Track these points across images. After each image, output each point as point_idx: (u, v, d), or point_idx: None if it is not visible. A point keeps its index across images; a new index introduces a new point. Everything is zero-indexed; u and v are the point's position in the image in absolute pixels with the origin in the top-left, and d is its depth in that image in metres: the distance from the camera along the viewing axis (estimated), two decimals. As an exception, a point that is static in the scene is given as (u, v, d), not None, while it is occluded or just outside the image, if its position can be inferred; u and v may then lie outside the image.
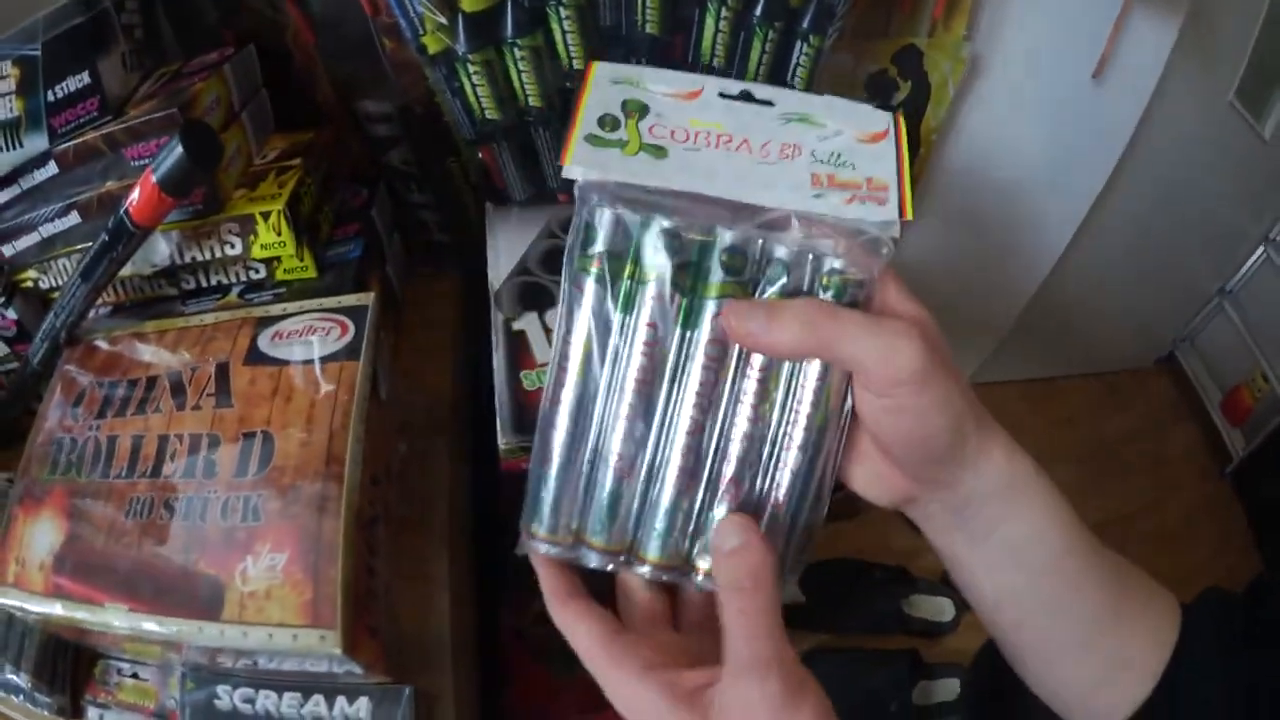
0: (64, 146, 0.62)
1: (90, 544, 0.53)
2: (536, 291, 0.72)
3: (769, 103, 0.48)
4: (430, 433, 0.73)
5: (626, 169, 0.44)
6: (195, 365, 0.60)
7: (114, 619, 0.51)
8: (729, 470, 0.46)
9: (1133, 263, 1.65)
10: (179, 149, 0.55)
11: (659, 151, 0.45)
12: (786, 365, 0.45)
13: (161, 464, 0.55)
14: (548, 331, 0.69)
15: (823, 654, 1.47)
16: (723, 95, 0.48)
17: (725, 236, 0.43)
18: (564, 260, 0.45)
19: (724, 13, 0.66)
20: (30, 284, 0.68)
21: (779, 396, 0.45)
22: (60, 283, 0.67)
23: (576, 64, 0.68)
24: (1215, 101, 1.44)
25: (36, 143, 0.61)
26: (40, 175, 0.63)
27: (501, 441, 0.63)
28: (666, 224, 0.43)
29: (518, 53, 0.67)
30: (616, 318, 0.44)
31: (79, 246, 0.65)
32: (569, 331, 0.45)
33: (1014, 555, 0.46)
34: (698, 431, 0.45)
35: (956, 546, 0.48)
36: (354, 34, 0.72)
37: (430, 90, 0.73)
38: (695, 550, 0.47)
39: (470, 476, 0.79)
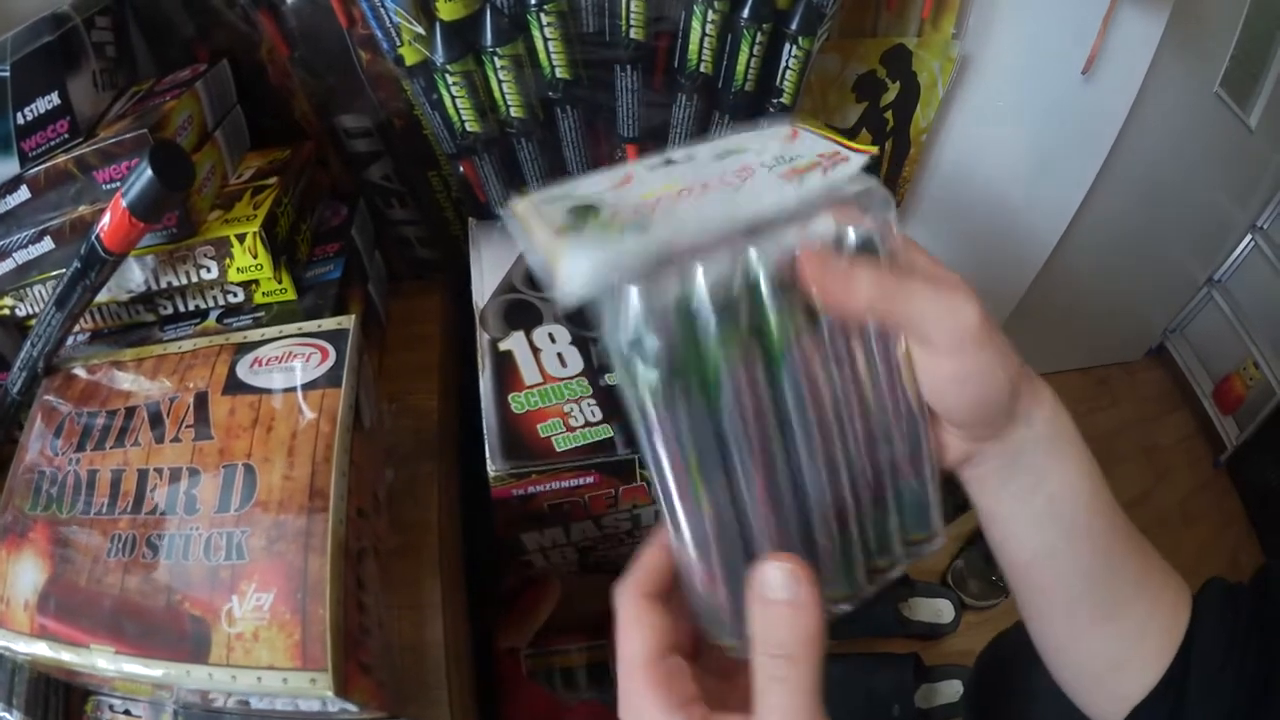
0: (35, 170, 0.60)
1: (74, 583, 0.51)
2: (523, 309, 0.70)
3: (692, 157, 0.46)
4: (418, 458, 0.71)
5: (623, 246, 0.37)
6: (174, 395, 0.58)
7: (100, 661, 0.49)
8: (866, 479, 0.43)
9: (1122, 256, 1.65)
10: (148, 172, 0.53)
11: (638, 224, 0.38)
12: (859, 345, 0.42)
13: (142, 499, 0.54)
14: (536, 351, 0.67)
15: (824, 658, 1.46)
16: (651, 169, 0.44)
17: (762, 265, 0.39)
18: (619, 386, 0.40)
19: (711, 15, 0.65)
20: (6, 312, 0.66)
21: (866, 375, 0.43)
22: (37, 310, 0.65)
23: (559, 72, 0.66)
24: (1201, 93, 1.45)
25: (7, 167, 0.60)
26: (12, 200, 0.61)
27: (491, 469, 0.61)
28: (702, 270, 0.38)
29: (498, 62, 0.65)
30: (702, 411, 0.39)
31: (54, 273, 0.63)
32: (672, 455, 0.39)
33: (1054, 510, 0.47)
34: (833, 466, 0.42)
35: (1003, 504, 0.48)
36: (330, 47, 0.70)
37: (409, 103, 0.71)
38: (870, 560, 0.44)
39: (462, 496, 0.77)
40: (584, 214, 0.39)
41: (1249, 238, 1.88)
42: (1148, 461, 1.97)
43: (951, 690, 1.44)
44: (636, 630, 0.40)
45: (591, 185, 0.43)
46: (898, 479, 0.44)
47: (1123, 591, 0.49)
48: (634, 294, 0.37)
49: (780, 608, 0.36)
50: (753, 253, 0.40)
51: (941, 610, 1.55)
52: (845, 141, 0.45)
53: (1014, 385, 0.43)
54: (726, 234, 0.40)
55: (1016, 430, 0.45)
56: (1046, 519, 0.47)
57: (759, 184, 0.43)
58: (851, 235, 0.42)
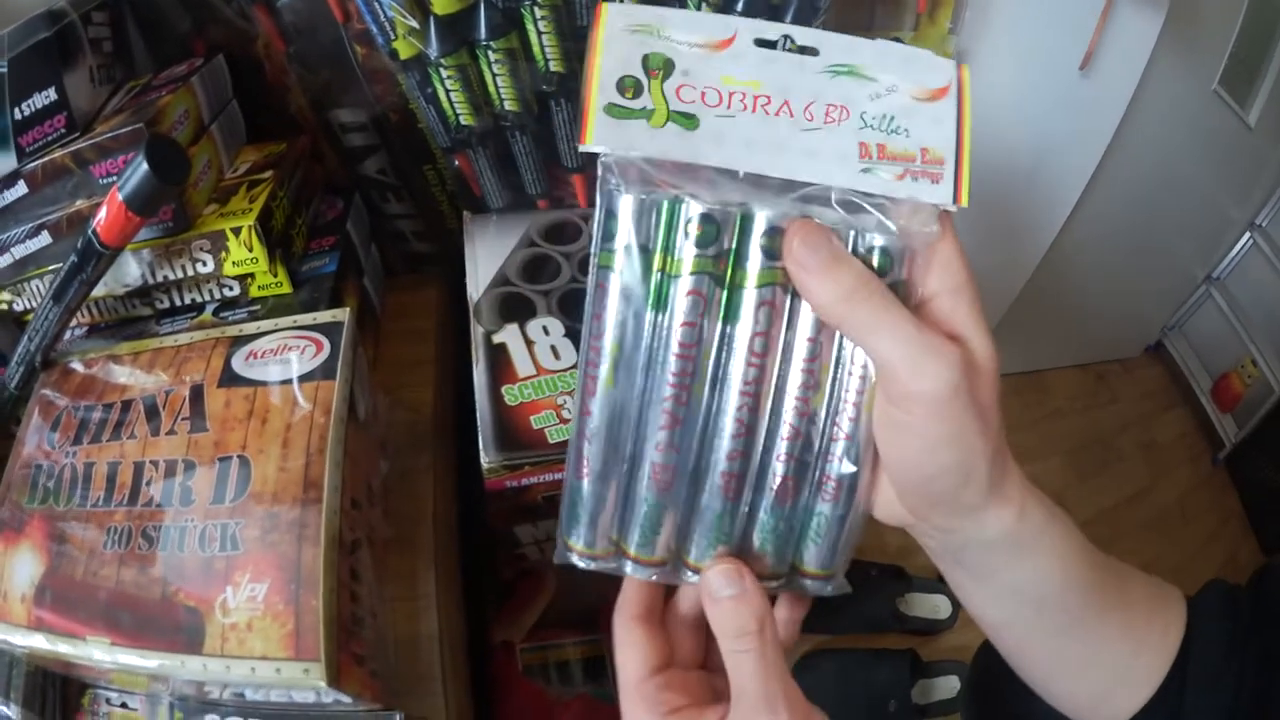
0: (32, 166, 0.60)
1: (70, 575, 0.51)
2: (517, 302, 0.70)
3: (813, 50, 0.40)
4: (413, 450, 0.71)
5: (655, 144, 0.38)
6: (170, 388, 0.58)
7: (96, 652, 0.49)
8: (779, 469, 0.42)
9: (1120, 252, 1.65)
10: (144, 166, 0.53)
11: (689, 120, 0.39)
12: (834, 350, 0.41)
13: (138, 491, 0.54)
14: (529, 344, 0.67)
15: (821, 655, 1.47)
16: (759, 42, 0.40)
17: (763, 216, 0.39)
18: (590, 254, 0.41)
19: (705, 9, 0.65)
20: (4, 306, 0.66)
21: (827, 384, 0.41)
22: (35, 304, 0.65)
23: (554, 65, 0.66)
24: (1200, 90, 1.45)
25: (4, 162, 0.59)
26: (10, 195, 0.61)
27: (485, 460, 0.61)
28: (700, 207, 0.38)
29: (492, 55, 0.65)
30: (649, 317, 0.40)
31: (51, 267, 0.63)
32: (595, 335, 0.41)
33: (1016, 594, 0.45)
34: (744, 434, 0.41)
35: (954, 576, 0.46)
36: (325, 42, 0.70)
37: (404, 97, 0.71)
38: (747, 555, 0.44)
39: (457, 489, 0.77)
40: (652, 70, 0.40)
41: (1247, 235, 1.88)
42: (1146, 459, 1.97)
43: (948, 685, 1.45)
44: (628, 652, 0.44)
45: (686, 30, 0.40)
46: (817, 496, 0.43)
47: (1106, 637, 0.47)
48: (629, 203, 0.39)
49: (728, 602, 0.41)
50: (758, 214, 0.39)
51: (938, 606, 1.54)
52: (965, 159, 0.40)
53: (964, 476, 0.39)
54: (754, 182, 0.39)
55: (963, 526, 0.41)
56: (1006, 599, 0.45)
57: (834, 141, 0.39)
58: (871, 239, 0.39)
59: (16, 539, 0.53)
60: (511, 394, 0.64)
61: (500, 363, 0.66)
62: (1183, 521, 1.87)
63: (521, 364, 0.66)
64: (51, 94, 0.61)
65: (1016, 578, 0.43)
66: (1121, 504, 1.87)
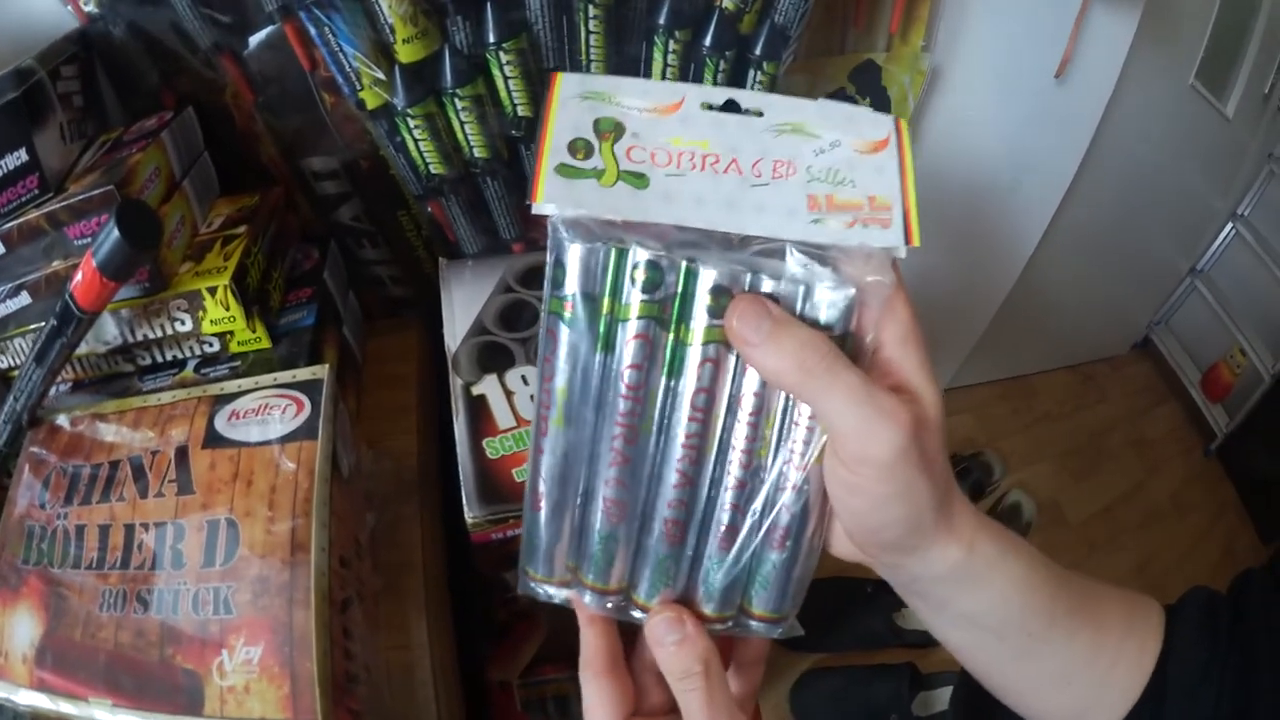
0: (7, 226, 0.60)
1: (69, 636, 0.51)
2: (495, 352, 0.70)
3: (757, 112, 0.43)
4: (399, 499, 0.71)
5: (604, 202, 0.40)
6: (155, 448, 0.58)
7: (99, 713, 0.50)
8: (724, 518, 0.43)
9: (1104, 252, 1.65)
10: (115, 233, 0.53)
11: (639, 180, 0.40)
12: (779, 403, 0.41)
13: (130, 554, 0.54)
14: (509, 394, 0.67)
15: (820, 674, 1.47)
16: (706, 106, 0.43)
17: (708, 274, 0.39)
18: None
19: (672, 45, 0.65)
20: (-11, 365, 0.65)
21: (773, 437, 0.42)
22: (18, 362, 0.65)
23: (521, 110, 0.66)
24: (1177, 86, 1.45)
25: (-22, 224, 0.59)
26: (-14, 257, 0.61)
27: (468, 515, 0.61)
28: (645, 254, 0.39)
29: (459, 103, 0.65)
30: (597, 359, 0.41)
31: (33, 327, 0.63)
32: (547, 377, 0.42)
33: (971, 622, 0.45)
34: (686, 484, 0.42)
35: (913, 603, 0.47)
36: (294, 90, 0.70)
37: (375, 144, 0.71)
38: (693, 596, 0.45)
39: (445, 533, 0.77)
40: (603, 134, 0.41)
41: (1230, 226, 1.88)
42: (1138, 455, 1.97)
43: (948, 697, 1.43)
44: (597, 708, 0.45)
45: (636, 96, 0.42)
46: (765, 546, 0.43)
47: (1076, 656, 0.47)
48: (576, 252, 0.39)
49: (672, 647, 0.43)
50: (702, 272, 0.40)
51: (937, 617, 1.53)
52: (910, 203, 0.41)
53: (913, 526, 0.40)
54: (702, 236, 0.40)
55: (910, 565, 0.42)
56: (965, 625, 0.46)
57: (781, 195, 0.41)
58: (816, 294, 0.40)
59: (14, 599, 0.53)
60: (493, 447, 0.63)
61: (480, 415, 0.65)
62: (1178, 516, 1.87)
63: (501, 416, 0.65)
64: (22, 154, 0.60)
65: (970, 608, 0.44)
66: (1116, 503, 1.88)
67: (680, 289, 0.40)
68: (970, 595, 0.44)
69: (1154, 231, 1.78)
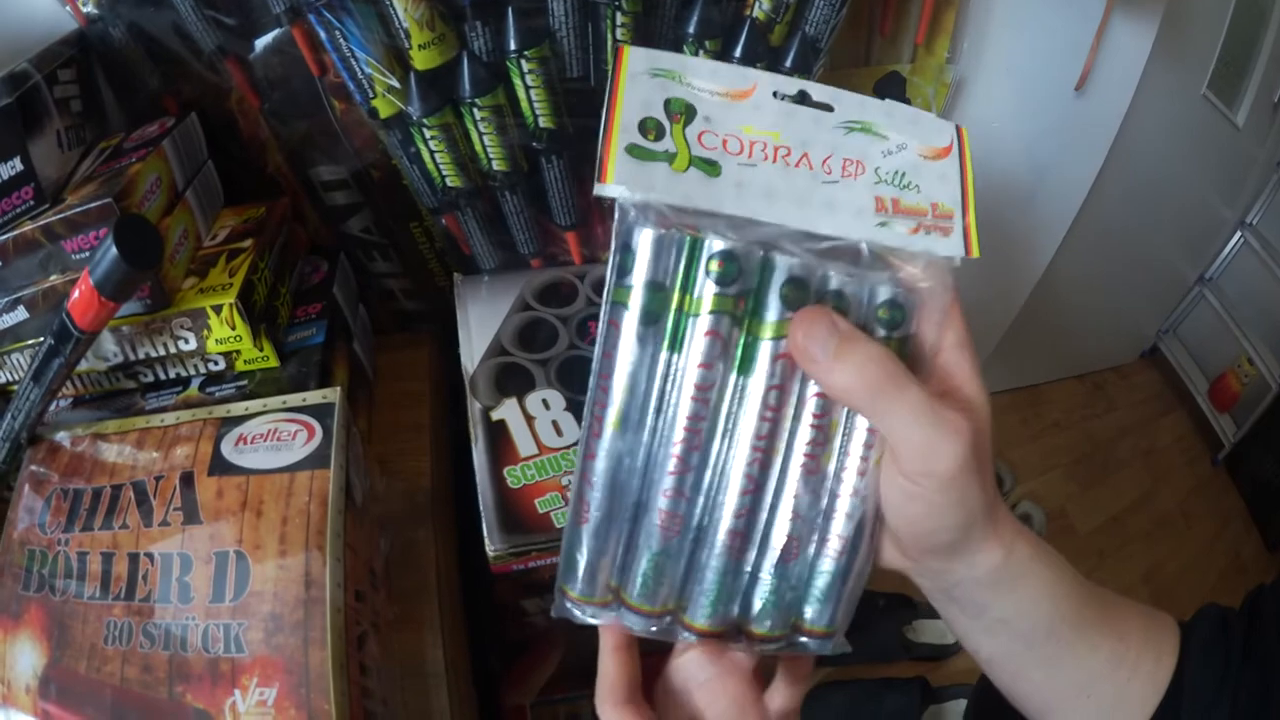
0: (1, 239, 0.57)
1: (73, 669, 0.49)
2: (514, 374, 0.67)
3: (828, 106, 0.42)
4: (413, 523, 0.68)
5: (677, 189, 0.38)
6: (160, 473, 0.56)
7: (109, 751, 0.48)
8: (784, 528, 0.41)
9: (1114, 262, 1.66)
10: (113, 250, 0.50)
11: (711, 167, 0.39)
12: (845, 409, 0.41)
13: (134, 586, 0.52)
14: (529, 419, 0.64)
15: (830, 687, 1.46)
16: (777, 95, 0.41)
17: (785, 265, 0.38)
18: (604, 290, 0.40)
19: (701, 55, 0.62)
20: (-13, 381, 0.63)
21: (836, 445, 0.41)
22: (16, 377, 0.63)
23: (543, 121, 0.64)
24: (1189, 96, 1.47)
25: (-29, 237, 0.57)
26: (-19, 271, 0.58)
27: (490, 549, 0.58)
28: (723, 244, 0.38)
29: (477, 113, 0.62)
30: (664, 356, 0.39)
31: (30, 342, 0.61)
32: (605, 374, 0.39)
33: (1006, 627, 0.45)
34: (752, 490, 0.40)
35: (948, 612, 0.47)
36: (302, 96, 0.67)
37: (386, 153, 0.69)
38: (747, 615, 0.43)
39: (460, 554, 0.75)
40: (674, 114, 0.40)
41: (1238, 234, 1.89)
42: (1146, 465, 1.98)
43: (958, 710, 1.44)
44: None
45: (706, 78, 0.41)
46: (821, 554, 0.42)
47: (1098, 667, 0.47)
48: (647, 238, 0.38)
49: (710, 684, 0.45)
50: (780, 263, 0.38)
51: (945, 631, 1.53)
52: (970, 214, 0.41)
53: (965, 530, 0.41)
54: (772, 233, 0.39)
55: (955, 568, 0.43)
56: (999, 632, 0.46)
57: (850, 195, 0.40)
58: (882, 294, 0.39)
59: (16, 627, 0.51)
60: (514, 476, 0.61)
61: (500, 442, 0.63)
62: (1186, 525, 1.88)
63: (523, 443, 0.63)
64: (16, 164, 0.58)
65: (1006, 611, 0.44)
66: (1124, 512, 1.88)
67: (756, 283, 0.39)
68: (1006, 598, 0.44)
69: (1163, 240, 1.79)
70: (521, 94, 0.62)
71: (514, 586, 0.64)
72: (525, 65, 0.61)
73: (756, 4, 0.62)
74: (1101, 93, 1.08)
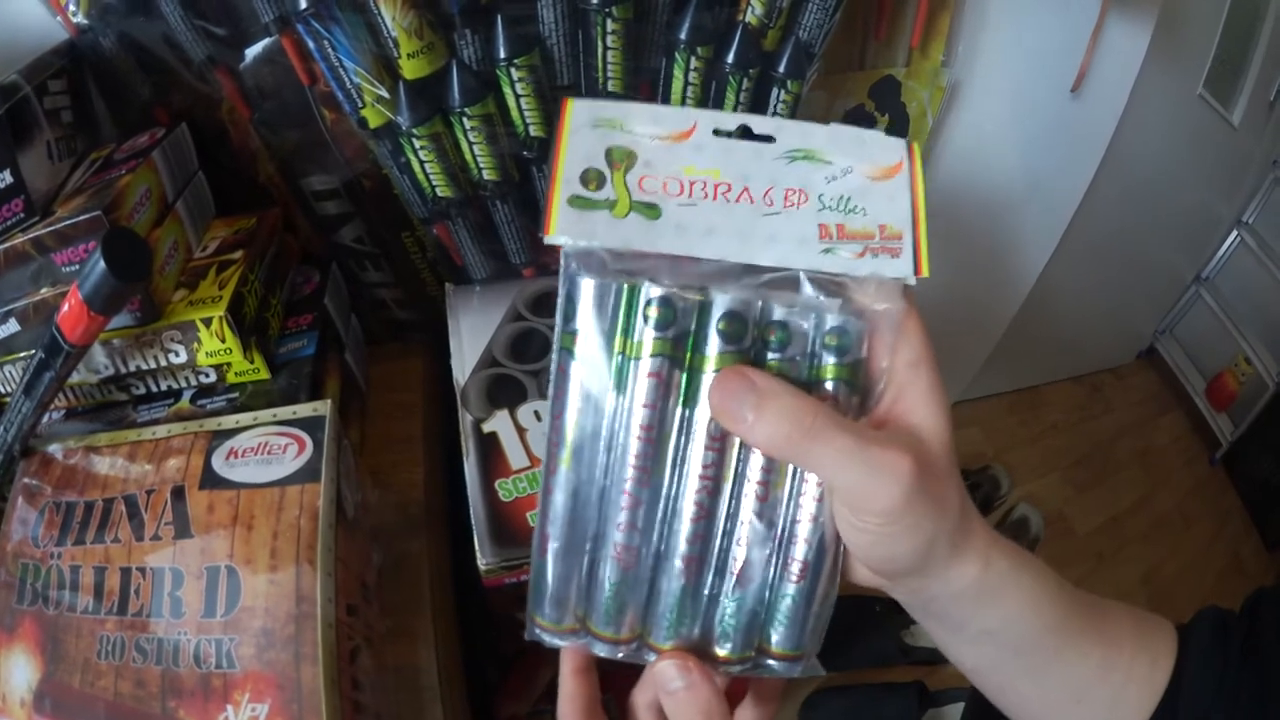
0: (-9, 252, 0.57)
1: (67, 684, 0.50)
2: (506, 385, 0.67)
3: (769, 138, 0.43)
4: (405, 536, 0.68)
5: (617, 233, 0.40)
6: (151, 487, 0.56)
7: (102, 765, 0.48)
8: (740, 553, 0.42)
9: (1111, 264, 1.66)
10: (101, 264, 0.50)
11: (651, 210, 0.40)
12: None
13: (127, 600, 0.52)
14: (521, 431, 0.64)
15: (828, 693, 1.46)
16: (718, 132, 0.43)
17: (722, 301, 0.40)
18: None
19: (694, 62, 0.62)
20: (-21, 392, 0.63)
21: (789, 471, 0.41)
22: (8, 389, 0.63)
23: (534, 130, 0.63)
24: (1185, 96, 1.47)
25: (-39, 250, 0.56)
26: (-29, 284, 0.58)
27: (481, 562, 0.58)
28: (658, 291, 0.39)
29: (467, 123, 0.62)
30: (610, 399, 0.40)
31: (22, 354, 0.61)
32: (558, 414, 0.41)
33: (991, 638, 0.45)
34: (704, 517, 0.41)
35: (929, 625, 0.47)
36: (292, 106, 0.67)
37: (377, 163, 0.68)
38: (709, 638, 0.44)
39: (453, 567, 0.75)
40: (614, 163, 0.41)
41: (1235, 233, 1.89)
42: (1144, 465, 1.99)
43: (957, 714, 1.45)
44: None
45: (647, 124, 0.42)
46: (783, 580, 0.42)
47: (1089, 674, 0.47)
48: (589, 287, 0.39)
49: (680, 694, 0.42)
50: (717, 300, 0.40)
51: (944, 634, 1.53)
52: (921, 231, 0.42)
53: (924, 553, 0.40)
54: (714, 269, 0.40)
55: (929, 585, 0.43)
56: (983, 643, 0.46)
57: (792, 225, 0.41)
58: (830, 321, 0.40)
59: (10, 640, 0.51)
60: (505, 489, 0.61)
61: (492, 454, 0.63)
62: (1184, 525, 1.88)
63: (514, 455, 0.63)
64: (6, 176, 0.57)
65: (988, 624, 0.44)
66: (1122, 514, 1.88)
67: (694, 324, 0.40)
68: (987, 611, 0.44)
69: (1160, 239, 1.79)
70: (512, 102, 0.62)
71: (508, 597, 0.63)
72: (515, 73, 0.60)
73: (749, 9, 0.61)
74: (1097, 94, 1.08)
